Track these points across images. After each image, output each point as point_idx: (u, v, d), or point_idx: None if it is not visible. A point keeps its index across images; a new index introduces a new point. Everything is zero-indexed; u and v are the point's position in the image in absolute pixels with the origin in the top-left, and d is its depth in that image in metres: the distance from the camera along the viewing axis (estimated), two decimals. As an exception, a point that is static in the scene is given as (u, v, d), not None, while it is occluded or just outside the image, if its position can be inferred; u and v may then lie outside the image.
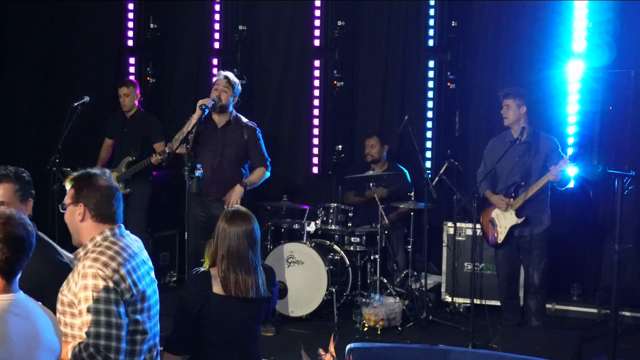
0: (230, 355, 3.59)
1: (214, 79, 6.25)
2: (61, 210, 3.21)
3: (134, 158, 7.04)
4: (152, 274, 3.27)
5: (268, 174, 6.29)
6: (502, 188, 6.06)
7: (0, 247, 2.61)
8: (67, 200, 3.17)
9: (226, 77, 6.12)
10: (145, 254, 3.27)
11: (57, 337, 2.82)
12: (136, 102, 7.32)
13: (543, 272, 5.96)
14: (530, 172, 5.94)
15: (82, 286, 2.94)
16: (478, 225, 6.44)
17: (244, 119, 6.30)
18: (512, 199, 5.90)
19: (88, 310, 2.92)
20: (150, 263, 3.29)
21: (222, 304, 3.55)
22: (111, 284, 2.95)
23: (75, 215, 3.13)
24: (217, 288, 3.58)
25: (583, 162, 5.83)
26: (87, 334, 2.92)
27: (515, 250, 6.09)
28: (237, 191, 6.07)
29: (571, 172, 5.80)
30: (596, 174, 5.88)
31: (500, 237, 5.98)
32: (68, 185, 3.19)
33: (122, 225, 3.21)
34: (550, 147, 5.96)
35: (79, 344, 2.93)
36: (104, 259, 3.00)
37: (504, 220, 5.99)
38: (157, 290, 3.27)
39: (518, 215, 5.91)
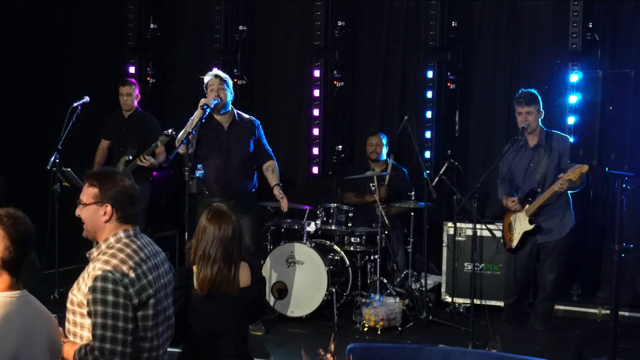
0: (217, 352, 3.60)
1: (205, 81, 6.14)
2: (79, 210, 3.08)
3: (130, 157, 7.04)
4: (167, 277, 3.20)
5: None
6: (520, 196, 5.86)
7: (13, 247, 2.64)
8: (87, 199, 3.05)
9: (217, 76, 6.06)
10: (161, 256, 3.21)
11: (58, 336, 2.84)
12: (135, 102, 7.32)
13: (557, 279, 5.85)
14: (545, 176, 5.76)
15: (91, 288, 2.90)
16: (478, 225, 6.42)
17: (245, 115, 6.28)
18: (528, 204, 5.79)
19: (96, 313, 2.89)
20: (166, 266, 3.23)
21: (204, 301, 3.56)
22: (121, 288, 2.91)
23: (99, 215, 3.04)
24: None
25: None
26: (94, 336, 2.90)
27: (532, 257, 5.90)
28: (284, 197, 6.28)
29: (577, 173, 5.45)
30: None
31: (514, 243, 5.83)
32: (86, 182, 3.07)
33: (137, 226, 3.16)
34: (563, 147, 5.74)
35: (86, 345, 2.91)
36: (115, 262, 2.95)
37: (519, 225, 5.83)
38: (170, 294, 3.21)
39: (531, 221, 5.76)
